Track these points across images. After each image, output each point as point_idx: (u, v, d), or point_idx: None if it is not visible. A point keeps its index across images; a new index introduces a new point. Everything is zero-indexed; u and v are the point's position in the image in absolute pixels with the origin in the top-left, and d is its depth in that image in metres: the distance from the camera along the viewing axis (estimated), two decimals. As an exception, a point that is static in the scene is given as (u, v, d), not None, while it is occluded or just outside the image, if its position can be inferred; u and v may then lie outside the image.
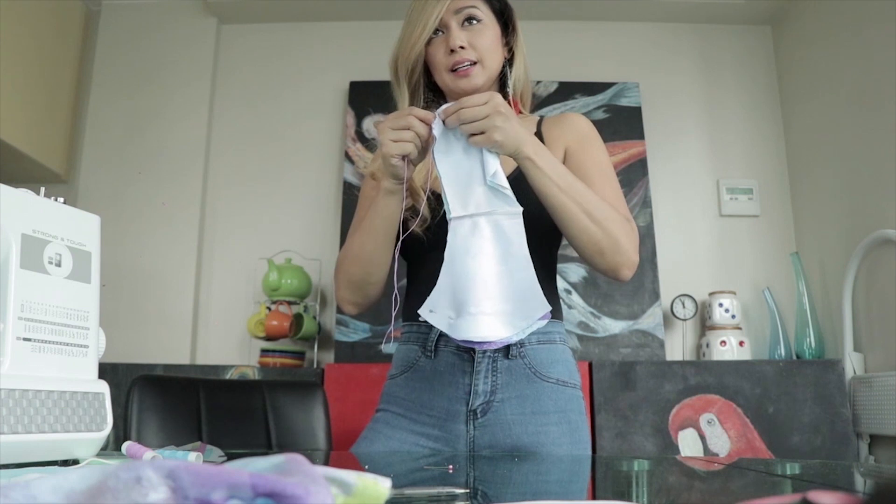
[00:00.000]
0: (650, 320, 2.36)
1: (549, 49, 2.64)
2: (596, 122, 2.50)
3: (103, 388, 0.67)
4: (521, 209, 0.89)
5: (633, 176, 2.48)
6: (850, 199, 2.16)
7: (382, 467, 0.80)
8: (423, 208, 1.00)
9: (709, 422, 1.98)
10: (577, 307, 2.38)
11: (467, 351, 1.01)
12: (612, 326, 2.37)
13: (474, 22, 1.06)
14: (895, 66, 1.93)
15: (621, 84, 2.57)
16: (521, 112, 1.17)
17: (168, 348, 2.36)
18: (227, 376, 2.08)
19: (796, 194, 2.51)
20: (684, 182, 2.55)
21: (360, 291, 1.06)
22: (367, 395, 1.93)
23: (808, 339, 2.22)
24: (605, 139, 2.51)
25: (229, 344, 2.44)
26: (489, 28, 1.08)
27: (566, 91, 2.56)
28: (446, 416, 1.01)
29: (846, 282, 2.09)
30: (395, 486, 0.38)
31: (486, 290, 0.86)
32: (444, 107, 0.90)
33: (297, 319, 2.26)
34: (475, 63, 1.06)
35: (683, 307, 2.33)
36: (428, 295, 0.93)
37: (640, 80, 2.60)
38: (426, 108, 1.14)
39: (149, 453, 0.68)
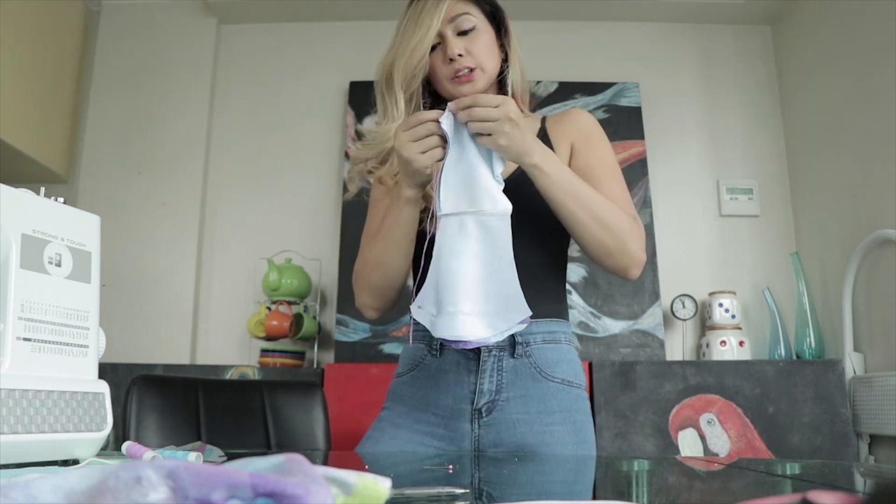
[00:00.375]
0: (650, 320, 2.36)
1: (549, 49, 2.64)
2: (596, 122, 2.52)
3: (103, 388, 0.67)
4: (509, 210, 0.89)
5: (633, 176, 2.48)
6: (850, 199, 2.16)
7: (383, 467, 0.80)
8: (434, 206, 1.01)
9: (709, 422, 1.98)
10: (577, 307, 2.38)
11: (473, 350, 1.01)
12: (612, 326, 2.37)
13: (469, 29, 1.08)
14: (895, 66, 1.93)
15: (621, 84, 2.57)
16: (521, 111, 1.17)
17: (168, 348, 2.36)
18: (227, 376, 2.08)
19: (796, 194, 2.51)
20: (684, 182, 2.55)
21: (382, 297, 1.09)
22: (367, 395, 1.93)
23: (808, 339, 2.22)
24: (604, 132, 2.50)
25: (229, 344, 2.44)
26: (484, 33, 1.10)
27: (566, 91, 2.56)
28: (451, 414, 1.02)
29: (846, 282, 2.09)
30: (395, 486, 0.38)
31: (466, 290, 0.85)
32: (457, 100, 0.91)
33: (297, 319, 2.26)
34: (475, 68, 1.08)
35: (683, 307, 2.33)
36: None
37: (640, 80, 2.60)
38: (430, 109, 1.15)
39: (149, 453, 0.68)
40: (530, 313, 0.87)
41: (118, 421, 1.21)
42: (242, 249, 2.51)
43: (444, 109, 1.16)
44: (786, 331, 2.27)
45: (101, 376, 0.68)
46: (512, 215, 0.94)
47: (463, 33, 1.08)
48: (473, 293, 0.86)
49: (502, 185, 0.90)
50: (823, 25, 2.32)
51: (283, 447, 1.32)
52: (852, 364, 2.06)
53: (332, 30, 2.66)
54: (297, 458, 0.33)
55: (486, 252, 0.88)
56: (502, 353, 1.01)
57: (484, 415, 1.00)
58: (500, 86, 1.15)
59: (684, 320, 2.34)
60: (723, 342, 2.23)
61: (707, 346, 2.27)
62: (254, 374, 2.11)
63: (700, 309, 2.36)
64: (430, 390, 1.04)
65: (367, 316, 1.11)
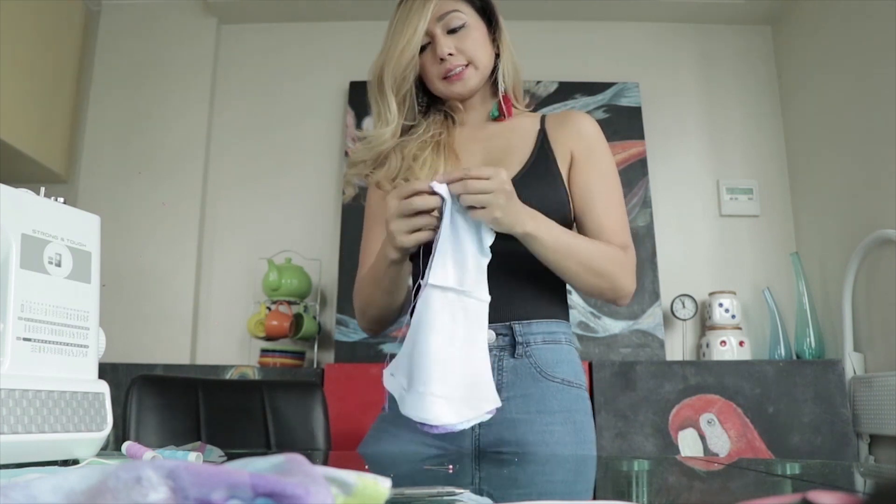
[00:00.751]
0: (650, 320, 2.36)
1: (549, 49, 2.64)
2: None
3: (103, 388, 0.67)
4: (488, 300, 0.87)
5: (633, 176, 2.48)
6: (850, 199, 2.16)
7: (383, 467, 0.80)
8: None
9: (709, 422, 1.98)
10: (577, 307, 2.38)
11: None
12: (612, 326, 2.37)
13: (459, 26, 1.07)
14: (895, 66, 1.93)
15: (621, 84, 2.57)
16: (515, 107, 1.17)
17: (168, 348, 2.36)
18: (227, 376, 2.08)
19: (796, 194, 2.51)
20: (684, 182, 2.55)
21: (380, 323, 1.11)
22: (367, 395, 1.93)
23: (808, 339, 2.22)
24: (605, 139, 2.51)
25: (229, 344, 2.44)
26: (474, 29, 1.08)
27: (566, 91, 2.56)
28: None
29: (846, 282, 2.09)
30: (395, 485, 0.38)
31: (439, 371, 0.82)
32: (447, 173, 0.88)
33: (297, 319, 2.26)
34: (467, 65, 1.07)
35: (683, 307, 2.33)
36: None
37: (640, 80, 2.60)
38: (421, 111, 1.14)
39: (149, 453, 0.68)
40: (500, 404, 0.85)
41: (118, 421, 1.21)
42: (242, 249, 2.51)
43: (441, 111, 1.15)
44: (786, 331, 2.27)
45: (101, 376, 0.68)
46: (509, 235, 0.96)
47: (453, 31, 1.07)
48: (445, 375, 0.82)
49: (489, 258, 0.88)
50: (823, 25, 2.32)
51: (283, 447, 1.32)
52: (852, 364, 2.06)
53: (332, 30, 2.66)
54: (297, 458, 0.33)
55: (463, 333, 0.85)
56: (503, 354, 1.01)
57: None
58: (495, 82, 1.14)
59: (684, 320, 2.34)
60: (723, 342, 2.23)
61: (707, 346, 2.27)
62: (254, 374, 2.11)
63: (700, 309, 2.36)
64: None
65: (368, 333, 1.14)
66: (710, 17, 2.63)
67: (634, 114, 2.54)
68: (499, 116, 1.13)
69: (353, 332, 2.34)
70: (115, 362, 2.00)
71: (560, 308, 1.08)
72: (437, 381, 0.82)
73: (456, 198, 0.86)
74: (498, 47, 1.12)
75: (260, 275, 2.40)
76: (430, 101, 1.16)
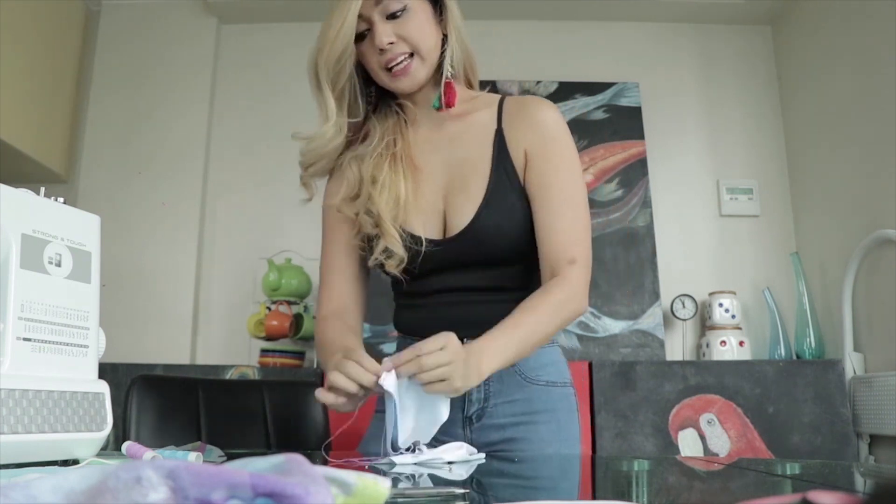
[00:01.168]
0: (650, 320, 2.36)
1: (549, 49, 2.64)
2: (596, 122, 2.53)
3: (103, 388, 0.67)
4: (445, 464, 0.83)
5: (633, 176, 2.48)
6: (850, 199, 2.16)
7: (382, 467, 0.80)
8: (398, 248, 0.98)
9: (709, 422, 1.98)
10: (577, 307, 2.37)
11: None
12: (612, 326, 2.37)
13: (399, 10, 0.97)
14: (895, 66, 1.93)
15: (621, 84, 2.57)
16: (471, 86, 1.10)
17: (168, 348, 2.36)
18: (227, 376, 2.08)
19: (796, 194, 2.51)
20: (684, 182, 2.55)
21: None
22: (367, 395, 1.93)
23: (808, 339, 2.22)
24: (605, 139, 2.50)
25: (229, 344, 2.44)
26: (417, 11, 0.98)
27: (566, 91, 2.56)
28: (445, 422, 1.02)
29: (846, 282, 2.09)
30: (394, 485, 0.38)
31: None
32: (397, 356, 0.81)
33: (297, 319, 2.26)
34: (412, 55, 0.98)
35: (683, 307, 2.33)
36: (414, 312, 1.05)
37: (640, 80, 2.60)
38: (370, 103, 1.07)
39: (149, 453, 0.68)
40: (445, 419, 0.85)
41: (118, 421, 1.21)
42: (242, 249, 2.50)
43: (392, 109, 1.07)
44: (786, 331, 2.27)
45: (101, 376, 0.68)
46: (476, 256, 0.97)
47: (392, 16, 0.97)
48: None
49: (446, 419, 0.85)
50: (823, 25, 2.32)
51: (283, 447, 1.32)
52: (852, 364, 2.06)
53: (332, 30, 2.66)
54: (297, 458, 0.33)
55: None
56: None
57: (475, 421, 1.02)
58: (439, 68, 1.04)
59: (684, 320, 2.34)
60: (723, 342, 2.23)
61: (707, 346, 2.27)
62: (254, 374, 2.11)
63: (700, 309, 2.36)
64: None
65: None
66: (710, 17, 2.63)
67: (634, 114, 2.54)
68: (440, 108, 1.04)
69: (353, 332, 2.34)
70: (115, 362, 2.00)
71: None
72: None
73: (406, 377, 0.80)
74: (445, 28, 1.03)
75: (260, 275, 2.40)
76: (379, 92, 1.08)
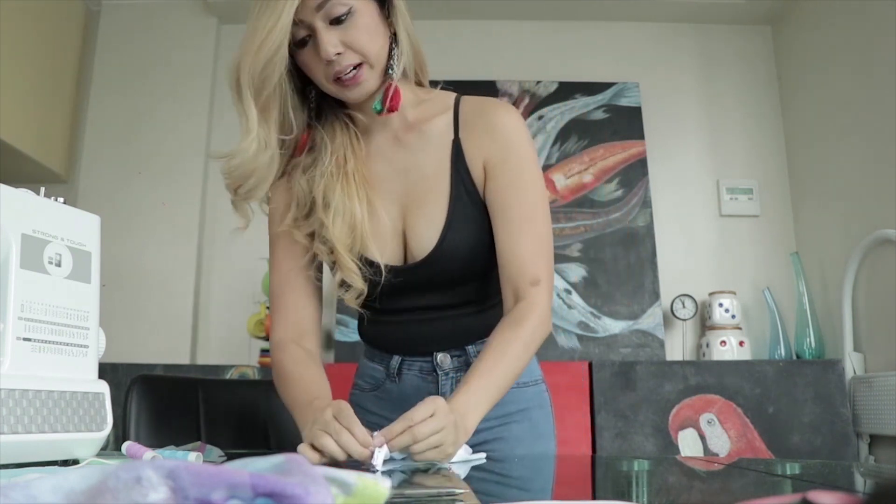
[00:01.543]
0: (650, 320, 2.36)
1: (549, 49, 2.64)
2: (596, 122, 2.53)
3: (103, 388, 0.67)
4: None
5: (633, 176, 2.48)
6: (850, 199, 2.16)
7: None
8: (357, 281, 0.93)
9: (709, 422, 1.98)
10: (577, 307, 2.38)
11: (430, 373, 1.02)
12: (612, 326, 2.37)
13: (344, 14, 0.86)
14: (895, 66, 1.93)
15: (621, 84, 2.57)
16: (422, 85, 1.03)
17: (168, 348, 2.36)
18: (227, 376, 2.08)
19: (796, 194, 2.51)
20: (684, 182, 2.55)
21: None
22: (367, 395, 1.93)
23: (808, 339, 2.22)
24: (605, 139, 2.51)
25: (229, 344, 2.44)
26: (363, 14, 0.88)
27: (566, 91, 2.56)
28: None
29: (846, 282, 2.09)
30: (394, 485, 0.38)
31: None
32: (388, 430, 0.75)
33: (297, 319, 2.25)
34: (360, 64, 0.89)
35: (683, 307, 2.33)
36: (380, 328, 1.02)
37: (640, 80, 2.60)
38: (311, 110, 0.97)
39: (149, 453, 0.68)
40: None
41: (118, 421, 1.21)
42: (242, 249, 2.50)
43: (341, 119, 0.97)
44: (786, 331, 2.27)
45: (101, 376, 0.68)
46: (441, 279, 0.95)
47: (337, 21, 0.86)
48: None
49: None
50: (823, 25, 2.32)
51: (283, 447, 1.32)
52: (852, 364, 2.06)
53: (332, 30, 2.66)
54: (297, 458, 0.33)
55: None
56: (459, 374, 1.02)
57: None
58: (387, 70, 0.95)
59: (684, 320, 2.34)
60: (723, 342, 2.23)
61: (707, 346, 2.27)
62: (254, 374, 2.11)
63: (700, 309, 2.36)
64: (395, 412, 1.01)
65: None
66: (710, 17, 2.63)
67: (634, 114, 2.54)
68: (381, 111, 0.93)
69: (353, 333, 2.34)
70: (115, 362, 2.00)
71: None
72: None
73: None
74: (393, 26, 0.93)
75: (260, 275, 2.40)
76: (319, 96, 0.97)
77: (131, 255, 2.42)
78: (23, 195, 0.63)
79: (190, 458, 0.70)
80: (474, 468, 0.78)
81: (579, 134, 2.52)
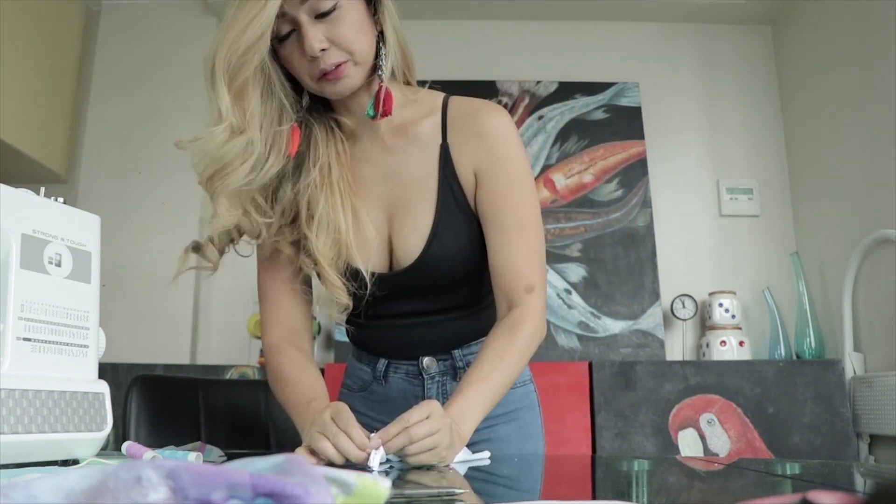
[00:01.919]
0: (650, 320, 2.36)
1: (549, 49, 2.64)
2: (596, 122, 2.53)
3: (103, 388, 0.67)
4: None
5: (633, 176, 2.48)
6: (850, 199, 2.16)
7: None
8: (342, 296, 0.92)
9: (709, 422, 1.98)
10: (577, 307, 2.38)
11: (416, 376, 1.02)
12: (612, 326, 2.37)
13: (330, 9, 0.83)
14: (895, 66, 1.93)
15: (621, 84, 2.57)
16: (409, 83, 1.01)
17: (168, 348, 2.36)
18: (227, 376, 2.08)
19: (796, 194, 2.51)
20: (684, 182, 2.55)
21: None
22: (367, 395, 1.93)
23: (808, 339, 2.22)
24: (605, 139, 2.50)
25: (229, 344, 2.44)
26: (350, 9, 0.85)
27: (566, 91, 2.56)
28: None
29: (846, 282, 2.09)
30: (394, 485, 0.38)
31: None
32: (385, 431, 0.74)
33: (297, 319, 2.25)
34: (345, 62, 0.86)
35: (683, 307, 2.33)
36: (368, 332, 1.02)
37: (640, 80, 2.60)
38: (295, 104, 0.93)
39: (149, 453, 0.68)
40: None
41: (118, 421, 1.21)
42: (242, 249, 2.50)
43: (324, 123, 0.95)
44: (786, 331, 2.27)
45: (101, 376, 0.68)
46: (427, 285, 0.95)
47: (323, 15, 0.83)
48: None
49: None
50: (823, 25, 2.33)
51: (283, 447, 1.32)
52: (852, 364, 2.06)
53: (332, 30, 2.66)
54: (297, 458, 0.33)
55: None
56: (445, 378, 1.02)
57: None
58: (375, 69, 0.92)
59: (684, 320, 2.34)
60: (723, 342, 2.23)
61: (707, 346, 2.27)
62: (254, 374, 2.11)
63: (700, 309, 2.36)
64: (383, 413, 1.03)
65: None
66: (710, 17, 2.63)
67: (634, 114, 2.54)
68: (375, 116, 0.91)
69: (353, 332, 2.34)
70: (115, 362, 2.00)
71: (493, 322, 1.02)
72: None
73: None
74: (380, 23, 0.90)
75: (260, 275, 2.40)
76: (294, 86, 0.93)
77: (131, 255, 2.42)
78: (23, 195, 0.63)
79: (190, 458, 0.70)
80: (471, 468, 0.78)
81: (579, 134, 2.52)
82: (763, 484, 0.64)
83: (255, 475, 0.29)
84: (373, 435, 0.74)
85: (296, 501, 0.29)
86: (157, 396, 1.20)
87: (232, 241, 1.00)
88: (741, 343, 2.23)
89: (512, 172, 0.93)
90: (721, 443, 1.97)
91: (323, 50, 0.84)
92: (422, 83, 1.02)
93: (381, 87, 0.90)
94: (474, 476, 0.72)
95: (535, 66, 2.61)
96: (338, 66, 0.85)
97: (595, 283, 2.40)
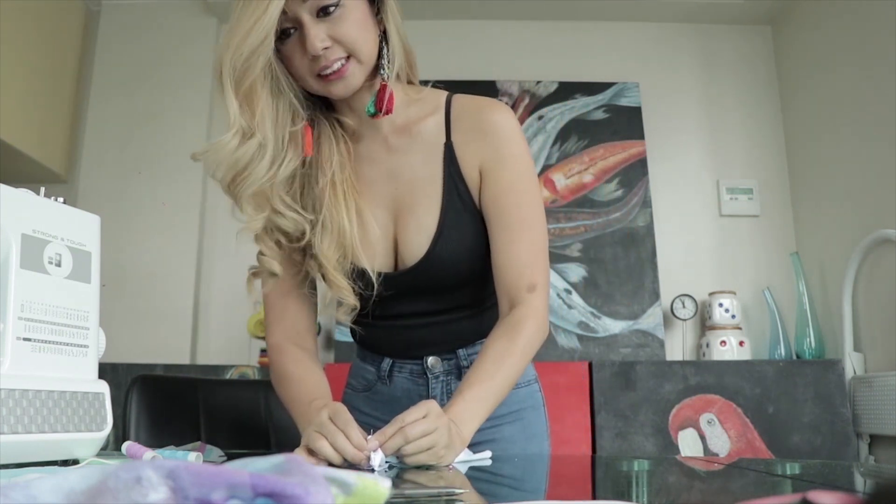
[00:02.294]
0: (650, 320, 2.36)
1: (549, 49, 2.64)
2: (596, 122, 2.53)
3: (103, 388, 0.67)
4: None
5: (633, 176, 2.48)
6: (850, 199, 2.16)
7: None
8: (348, 297, 0.93)
9: (709, 422, 1.98)
10: (577, 307, 2.38)
11: (421, 376, 1.02)
12: (612, 326, 2.37)
13: (332, 6, 0.83)
14: (895, 66, 1.93)
15: (621, 84, 2.57)
16: (411, 82, 1.00)
17: (168, 348, 2.36)
18: (227, 376, 2.08)
19: (796, 194, 2.51)
20: (684, 182, 2.55)
21: None
22: (367, 395, 1.93)
23: (808, 339, 2.22)
24: (605, 139, 2.50)
25: (229, 344, 2.44)
26: (353, 8, 0.85)
27: (566, 91, 2.56)
28: None
29: (846, 282, 2.09)
30: (394, 485, 0.38)
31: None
32: (382, 432, 0.74)
33: (297, 319, 2.25)
34: (347, 58, 0.85)
35: (683, 307, 2.33)
36: (373, 332, 1.01)
37: (640, 80, 2.60)
38: (307, 105, 0.93)
39: (149, 453, 0.68)
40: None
41: (118, 421, 1.21)
42: (242, 249, 2.50)
43: (327, 124, 0.95)
44: (786, 331, 2.27)
45: (101, 376, 0.68)
46: (432, 285, 0.94)
47: (325, 13, 0.83)
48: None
49: None
50: (823, 25, 2.33)
51: (283, 447, 1.32)
52: (852, 364, 2.06)
53: (332, 30, 2.66)
54: (298, 458, 0.33)
55: None
56: (449, 378, 1.02)
57: None
58: (377, 69, 0.92)
59: (684, 320, 2.34)
60: (723, 342, 2.23)
61: (707, 346, 2.27)
62: (254, 374, 2.11)
63: (700, 309, 2.36)
64: (387, 413, 1.01)
65: None
66: (710, 17, 2.63)
67: (634, 114, 2.54)
68: (375, 114, 0.91)
69: (353, 332, 2.34)
70: (115, 362, 2.00)
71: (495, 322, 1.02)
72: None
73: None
74: (383, 23, 0.90)
75: (260, 275, 2.40)
76: (310, 99, 0.93)
77: (131, 255, 2.42)
78: (23, 195, 0.63)
79: (190, 458, 0.70)
80: (473, 469, 0.78)
81: (579, 134, 2.52)
82: (763, 484, 0.64)
83: (255, 475, 0.29)
84: (371, 436, 0.74)
85: (296, 501, 0.29)
86: (157, 396, 1.20)
87: (279, 244, 0.99)
88: (741, 343, 2.23)
89: (516, 170, 0.93)
90: (721, 443, 1.97)
91: (325, 48, 0.83)
92: (423, 83, 1.02)
93: (384, 86, 0.90)
94: (476, 476, 0.72)
95: (535, 66, 2.61)
96: (341, 66, 0.85)
97: (595, 283, 2.40)
